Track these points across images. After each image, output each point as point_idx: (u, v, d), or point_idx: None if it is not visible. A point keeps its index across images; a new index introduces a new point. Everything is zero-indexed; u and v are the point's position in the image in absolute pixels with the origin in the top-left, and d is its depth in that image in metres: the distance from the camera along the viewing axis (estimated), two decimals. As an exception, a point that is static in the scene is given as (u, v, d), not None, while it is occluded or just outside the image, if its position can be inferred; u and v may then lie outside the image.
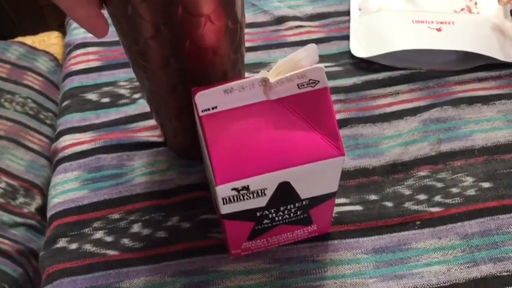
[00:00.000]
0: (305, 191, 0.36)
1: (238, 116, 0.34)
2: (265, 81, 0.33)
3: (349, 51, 0.58)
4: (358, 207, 0.46)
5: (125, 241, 0.45)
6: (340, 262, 0.43)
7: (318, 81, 0.34)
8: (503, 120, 0.51)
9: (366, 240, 0.45)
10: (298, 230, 0.42)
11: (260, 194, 0.35)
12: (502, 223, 0.45)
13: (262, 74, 0.34)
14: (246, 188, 0.34)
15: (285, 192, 0.36)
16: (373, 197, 0.47)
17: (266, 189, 0.34)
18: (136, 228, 0.46)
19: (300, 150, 0.34)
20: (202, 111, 0.34)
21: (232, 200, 0.34)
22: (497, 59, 0.54)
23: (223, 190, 0.33)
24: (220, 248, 0.44)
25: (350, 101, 0.54)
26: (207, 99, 0.33)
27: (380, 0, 0.60)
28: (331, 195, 0.38)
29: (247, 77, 0.33)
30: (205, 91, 0.33)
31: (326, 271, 0.43)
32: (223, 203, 0.34)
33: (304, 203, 0.38)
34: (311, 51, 0.34)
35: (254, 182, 0.33)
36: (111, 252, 0.45)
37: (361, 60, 0.57)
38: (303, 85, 0.34)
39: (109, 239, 0.45)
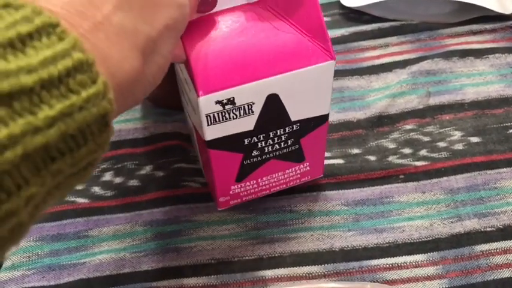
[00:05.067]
0: (295, 110, 0.34)
1: (219, 21, 0.31)
2: None
3: (339, 1, 0.55)
4: (339, 161, 0.44)
5: (96, 189, 0.44)
6: (319, 213, 0.42)
7: None
8: (496, 75, 0.49)
9: (346, 192, 0.43)
10: (290, 168, 0.39)
11: (247, 111, 0.32)
12: (489, 178, 0.43)
13: None
14: (231, 101, 0.31)
15: (274, 111, 0.33)
16: (355, 150, 0.45)
17: (253, 104, 0.32)
18: (108, 176, 0.44)
19: (287, 56, 0.31)
20: None
21: (216, 119, 0.32)
22: (493, 11, 0.52)
23: (206, 103, 0.30)
24: (194, 198, 0.43)
25: (337, 53, 0.52)
26: None
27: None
28: (323, 120, 0.36)
29: None
30: None
31: (303, 222, 0.41)
32: (208, 123, 0.32)
33: (294, 127, 0.35)
34: None
35: (240, 93, 0.31)
36: (80, 200, 0.43)
37: (351, 10, 0.54)
38: None
39: (79, 186, 0.44)
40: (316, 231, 0.41)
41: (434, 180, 0.43)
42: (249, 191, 0.40)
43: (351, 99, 0.48)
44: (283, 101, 0.33)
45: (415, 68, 0.50)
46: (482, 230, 0.40)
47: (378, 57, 0.51)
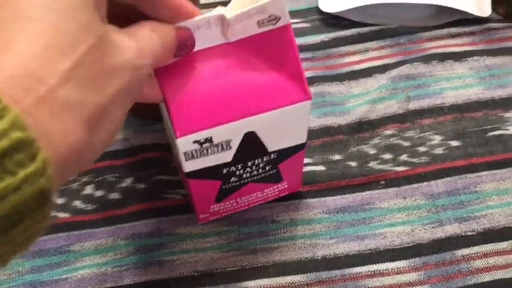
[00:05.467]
0: (272, 143, 0.34)
1: (196, 61, 0.31)
2: (222, 19, 0.30)
3: (318, 7, 0.55)
4: (321, 167, 0.45)
5: (77, 203, 0.43)
6: (301, 222, 0.42)
7: (280, 18, 0.31)
8: (475, 78, 0.49)
9: (327, 200, 0.43)
10: (268, 188, 0.40)
11: (225, 147, 0.32)
12: (469, 182, 0.43)
13: (219, 10, 0.31)
14: (209, 140, 0.31)
15: (251, 145, 0.33)
16: (337, 156, 0.45)
17: (231, 141, 0.32)
18: (88, 190, 0.44)
19: (264, 96, 0.31)
20: None
21: (195, 155, 0.32)
22: (471, 14, 0.52)
23: (184, 143, 0.31)
24: (176, 210, 0.42)
25: (317, 59, 0.52)
26: None
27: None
28: (300, 148, 0.36)
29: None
30: None
31: (285, 232, 0.41)
32: (186, 159, 0.32)
33: (272, 156, 0.35)
34: None
35: (217, 133, 0.31)
36: (61, 215, 0.43)
37: (330, 16, 0.54)
38: (264, 23, 0.31)
39: (60, 201, 0.43)
40: (299, 240, 0.41)
41: (415, 185, 0.43)
42: (228, 208, 0.40)
43: (331, 104, 0.48)
44: (260, 136, 0.33)
45: (394, 72, 0.50)
46: (463, 234, 0.41)
47: (358, 62, 0.51)
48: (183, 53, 0.29)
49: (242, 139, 0.32)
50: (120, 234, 0.42)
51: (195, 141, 0.31)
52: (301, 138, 0.35)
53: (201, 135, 0.30)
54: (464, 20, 0.53)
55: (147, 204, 0.43)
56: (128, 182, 0.44)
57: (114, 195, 0.43)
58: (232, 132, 0.31)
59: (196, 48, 0.31)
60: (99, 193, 0.44)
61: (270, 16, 0.30)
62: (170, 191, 0.43)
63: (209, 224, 0.42)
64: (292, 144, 0.35)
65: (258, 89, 0.31)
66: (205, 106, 0.30)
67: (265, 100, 0.31)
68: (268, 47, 0.31)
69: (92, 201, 0.43)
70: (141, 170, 0.45)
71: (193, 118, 0.30)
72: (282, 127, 0.33)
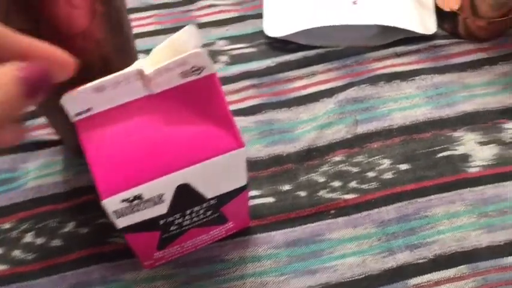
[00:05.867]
0: (209, 190, 0.33)
1: (119, 116, 0.30)
2: (140, 74, 0.29)
3: (263, 31, 0.54)
4: (270, 199, 0.44)
5: (16, 253, 0.41)
6: (250, 260, 0.40)
7: (204, 68, 0.30)
8: (423, 97, 0.49)
9: (277, 233, 0.42)
10: (213, 230, 0.39)
11: (157, 201, 0.31)
12: (420, 207, 0.43)
13: (138, 64, 0.30)
14: (138, 197, 0.30)
15: (187, 195, 0.32)
16: (286, 187, 0.44)
17: (163, 194, 0.31)
18: (29, 237, 0.42)
19: (194, 147, 0.30)
20: (74, 115, 0.29)
21: (126, 212, 0.30)
22: (415, 32, 0.52)
23: (111, 203, 0.29)
24: (120, 254, 0.41)
25: (264, 85, 0.51)
26: (77, 102, 0.29)
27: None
28: (241, 190, 0.35)
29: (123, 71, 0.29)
30: (73, 92, 0.28)
31: (235, 271, 0.40)
32: (117, 217, 0.31)
33: (211, 202, 0.34)
34: (191, 32, 0.30)
35: (147, 190, 0.30)
36: (-1, 267, 0.41)
37: (276, 40, 0.54)
38: (187, 74, 0.30)
39: (-2, 252, 0.41)
40: (249, 279, 0.40)
41: (365, 213, 0.43)
42: (173, 253, 0.39)
43: (280, 132, 0.48)
44: (195, 187, 0.31)
45: (342, 96, 0.49)
46: (414, 262, 0.40)
47: (305, 87, 0.51)
48: (42, 94, 0.24)
49: (175, 191, 0.31)
50: (63, 284, 0.40)
51: (123, 200, 0.29)
52: (241, 182, 0.34)
53: (129, 193, 0.29)
54: (410, 37, 0.53)
55: (90, 250, 0.41)
56: (70, 226, 0.42)
57: (56, 242, 0.42)
58: (163, 187, 0.30)
59: (118, 102, 0.29)
60: (39, 241, 0.42)
61: (192, 67, 0.29)
62: (114, 235, 0.42)
63: (157, 267, 0.40)
64: (232, 188, 0.34)
65: (187, 140, 0.30)
66: (131, 162, 0.29)
67: (196, 151, 0.30)
68: (195, 96, 0.30)
69: (32, 249, 0.41)
70: (83, 213, 0.43)
71: (119, 176, 0.29)
72: (217, 175, 0.32)
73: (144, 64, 0.29)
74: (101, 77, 0.29)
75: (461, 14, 0.51)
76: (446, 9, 0.52)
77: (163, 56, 0.29)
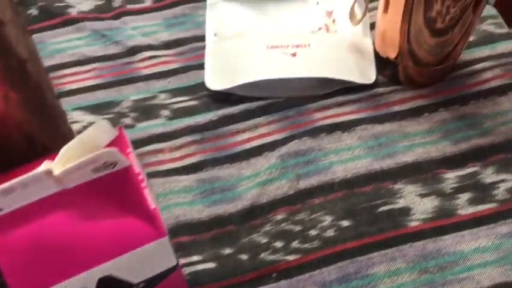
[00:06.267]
0: (136, 276, 0.32)
1: (32, 214, 0.29)
2: (49, 173, 0.28)
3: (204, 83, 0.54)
4: (211, 265, 0.43)
5: None
6: (190, 332, 0.40)
7: (117, 162, 0.29)
8: (364, 148, 0.49)
9: (218, 302, 0.41)
10: None
11: None
12: (361, 265, 0.43)
13: (47, 164, 0.29)
14: None
15: (112, 283, 0.31)
16: (228, 250, 0.44)
17: (86, 287, 0.30)
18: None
19: (112, 240, 0.29)
20: None
21: None
22: (354, 82, 0.52)
23: None
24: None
25: (206, 140, 0.50)
26: None
27: (236, 22, 0.56)
28: (171, 270, 0.34)
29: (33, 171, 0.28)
30: None
31: None
32: None
33: (141, 285, 0.33)
34: (103, 128, 0.30)
35: (67, 286, 0.29)
36: None
37: (218, 91, 0.53)
38: (99, 169, 0.29)
39: None
40: None
41: (307, 274, 0.42)
42: None
43: (221, 190, 0.47)
44: (119, 275, 0.31)
45: (283, 150, 0.49)
46: (355, 325, 0.40)
47: (248, 140, 0.50)
48: None
49: (97, 284, 0.30)
50: None
51: None
52: (170, 263, 0.33)
53: None
54: (351, 87, 0.53)
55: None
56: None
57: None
58: (83, 283, 0.29)
59: (30, 200, 0.28)
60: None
61: (105, 163, 0.28)
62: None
63: None
64: (160, 270, 0.33)
65: (106, 233, 0.29)
66: (47, 263, 0.28)
67: (115, 244, 0.29)
68: (111, 189, 0.30)
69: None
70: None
71: (32, 278, 0.28)
72: (141, 263, 0.31)
73: (53, 164, 0.28)
74: (27, 158, 0.28)
75: (400, 63, 0.51)
76: (385, 56, 0.52)
77: (74, 154, 0.29)
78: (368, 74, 0.53)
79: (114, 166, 0.29)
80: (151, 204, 0.31)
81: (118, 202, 0.30)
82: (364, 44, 0.54)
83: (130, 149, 0.33)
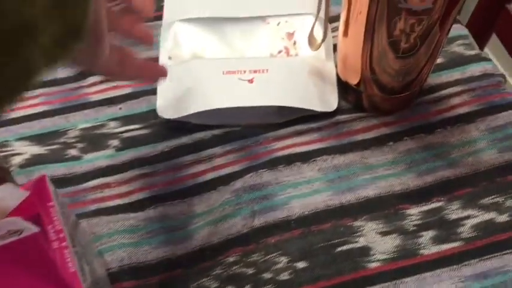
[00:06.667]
0: None
1: None
2: None
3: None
4: (156, 314, 0.40)
5: None
6: None
7: (22, 230, 0.26)
8: (324, 181, 0.46)
9: None
10: None
11: None
12: (316, 313, 0.40)
13: None
14: None
15: None
16: (174, 297, 0.41)
17: None
18: None
19: None
20: None
21: None
22: (314, 110, 0.49)
23: None
24: None
25: (158, 173, 0.47)
26: None
27: (193, 45, 0.53)
28: None
29: None
30: None
31: None
32: None
33: None
34: (10, 191, 0.27)
35: None
36: None
37: (171, 119, 0.50)
38: (4, 236, 0.26)
39: None
40: None
41: (258, 324, 0.40)
42: None
43: (171, 230, 0.44)
44: None
45: (239, 184, 0.46)
46: None
47: (203, 172, 0.47)
48: None
49: None
50: None
51: None
52: None
53: None
54: (312, 115, 0.50)
55: None
56: None
57: None
58: None
59: None
60: None
61: (8, 231, 0.25)
62: None
63: None
64: None
65: None
66: None
67: None
68: (19, 256, 0.27)
69: None
70: None
71: None
72: None
73: None
74: None
75: (363, 90, 0.48)
76: (348, 83, 0.50)
77: None
78: (329, 102, 0.50)
79: (21, 233, 0.26)
80: (71, 267, 0.28)
81: (26, 270, 0.27)
82: (326, 69, 0.51)
83: (53, 202, 0.31)
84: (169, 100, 0.50)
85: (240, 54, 0.53)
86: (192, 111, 0.48)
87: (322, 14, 0.47)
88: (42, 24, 0.19)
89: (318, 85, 0.50)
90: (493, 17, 0.79)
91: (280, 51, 0.53)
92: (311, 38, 0.48)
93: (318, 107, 0.49)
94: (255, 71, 0.50)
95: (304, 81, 0.50)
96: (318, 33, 0.49)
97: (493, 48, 0.84)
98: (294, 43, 0.53)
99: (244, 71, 0.50)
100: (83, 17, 0.21)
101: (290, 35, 0.53)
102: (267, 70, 0.50)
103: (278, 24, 0.54)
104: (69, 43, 0.20)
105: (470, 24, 0.77)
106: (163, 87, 0.51)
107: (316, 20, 0.47)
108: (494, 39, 0.80)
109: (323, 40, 0.48)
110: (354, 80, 0.48)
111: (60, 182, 0.47)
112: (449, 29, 0.44)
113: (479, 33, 0.74)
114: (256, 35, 0.53)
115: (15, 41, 0.18)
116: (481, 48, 0.78)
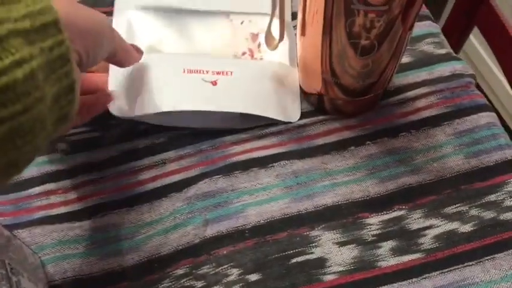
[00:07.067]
0: None
1: None
2: None
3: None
4: (97, 330, 0.38)
5: None
6: None
7: None
8: (282, 187, 0.44)
9: None
10: None
11: None
12: (266, 329, 0.38)
13: None
14: None
15: None
16: (118, 312, 0.39)
17: None
18: None
19: None
20: None
21: None
22: (276, 120, 0.47)
23: None
24: None
25: (106, 179, 0.45)
26: None
27: (149, 36, 0.50)
28: None
29: None
30: None
31: None
32: None
33: None
34: None
35: None
36: None
37: (123, 119, 0.47)
38: None
39: None
40: None
41: None
42: None
43: (117, 240, 0.42)
44: None
45: (192, 191, 0.44)
46: None
47: (153, 179, 0.45)
48: None
49: None
50: None
51: None
52: None
53: None
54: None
55: None
56: None
57: None
58: None
59: None
60: None
61: None
62: None
63: None
64: None
65: None
66: None
67: None
68: None
69: None
70: None
71: None
72: None
73: None
74: None
75: (325, 94, 0.46)
76: (311, 91, 0.47)
77: None
78: (293, 112, 0.47)
79: None
80: None
81: None
82: (290, 75, 0.49)
83: None
84: (122, 97, 0.46)
85: (201, 50, 0.50)
86: (150, 112, 0.45)
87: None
88: (48, 115, 0.26)
89: (281, 93, 0.48)
90: (474, 10, 0.77)
91: (244, 53, 0.50)
92: (269, 37, 0.46)
93: (281, 117, 0.47)
94: (218, 73, 0.47)
95: (268, 89, 0.47)
96: (276, 33, 0.46)
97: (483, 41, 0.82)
98: (259, 45, 0.50)
99: (207, 71, 0.47)
100: (72, 107, 0.29)
101: (254, 36, 0.51)
102: (231, 73, 0.47)
103: (242, 23, 0.51)
104: (62, 125, 0.29)
105: (451, 18, 0.75)
106: (115, 83, 0.47)
107: (272, 18, 0.44)
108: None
109: (280, 39, 0.45)
110: (315, 85, 0.46)
111: (3, 187, 0.44)
112: (413, 25, 0.42)
113: (461, 27, 0.72)
114: (219, 31, 0.51)
115: (33, 131, 0.26)
116: (463, 41, 0.75)
